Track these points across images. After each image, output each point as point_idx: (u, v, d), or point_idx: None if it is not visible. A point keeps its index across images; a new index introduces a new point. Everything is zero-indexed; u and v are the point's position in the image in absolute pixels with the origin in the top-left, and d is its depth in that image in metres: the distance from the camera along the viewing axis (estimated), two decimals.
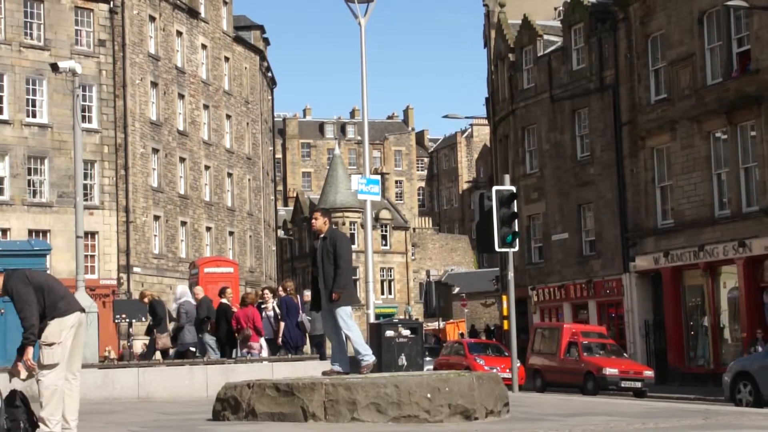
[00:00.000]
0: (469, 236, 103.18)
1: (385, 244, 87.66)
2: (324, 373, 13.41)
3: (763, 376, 20.49)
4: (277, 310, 21.75)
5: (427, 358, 32.75)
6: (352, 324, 13.26)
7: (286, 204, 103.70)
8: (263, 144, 68.92)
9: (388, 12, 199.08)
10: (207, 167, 57.38)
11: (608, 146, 39.39)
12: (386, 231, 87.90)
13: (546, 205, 43.15)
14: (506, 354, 31.23)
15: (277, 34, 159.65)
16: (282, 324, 21.42)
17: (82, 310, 10.12)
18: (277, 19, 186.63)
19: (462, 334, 58.98)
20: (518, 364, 25.62)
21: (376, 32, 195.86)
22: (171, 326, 22.64)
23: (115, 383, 18.69)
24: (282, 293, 22.02)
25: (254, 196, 64.90)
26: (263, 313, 21.80)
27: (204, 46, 57.98)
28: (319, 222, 13.48)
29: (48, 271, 25.03)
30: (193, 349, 22.70)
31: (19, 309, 9.83)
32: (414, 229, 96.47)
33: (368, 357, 13.35)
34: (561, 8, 45.78)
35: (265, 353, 21.09)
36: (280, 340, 21.49)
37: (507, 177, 25.99)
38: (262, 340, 21.30)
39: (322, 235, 13.43)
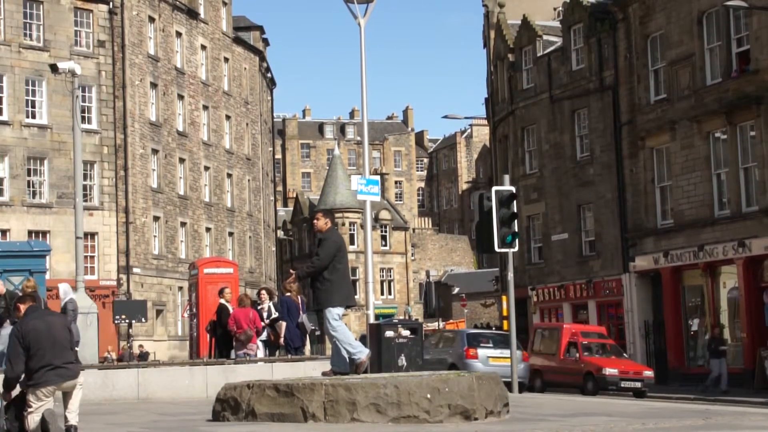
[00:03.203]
0: (469, 236, 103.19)
1: (385, 245, 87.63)
2: (324, 374, 13.40)
3: (464, 367, 26.39)
4: (273, 312, 21.70)
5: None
6: (337, 325, 13.08)
7: (285, 205, 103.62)
8: (263, 144, 68.89)
9: (388, 12, 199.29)
10: (206, 168, 57.36)
11: (608, 146, 39.38)
12: (386, 231, 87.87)
13: (546, 205, 43.13)
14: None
15: (276, 34, 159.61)
16: (283, 324, 21.41)
17: (72, 378, 10.50)
18: (276, 20, 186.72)
19: None
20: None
21: (376, 33, 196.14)
22: None
23: (115, 384, 18.69)
24: (293, 294, 21.91)
25: (254, 197, 64.87)
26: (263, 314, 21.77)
27: (203, 47, 57.96)
28: (320, 223, 13.48)
29: (47, 273, 25.10)
30: (77, 348, 22.74)
31: (6, 359, 10.54)
32: (414, 230, 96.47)
33: (359, 353, 13.15)
34: (560, 8, 45.77)
35: (261, 354, 21.08)
36: (282, 340, 21.46)
37: (506, 177, 25.94)
38: (259, 341, 21.28)
39: (320, 236, 13.44)
